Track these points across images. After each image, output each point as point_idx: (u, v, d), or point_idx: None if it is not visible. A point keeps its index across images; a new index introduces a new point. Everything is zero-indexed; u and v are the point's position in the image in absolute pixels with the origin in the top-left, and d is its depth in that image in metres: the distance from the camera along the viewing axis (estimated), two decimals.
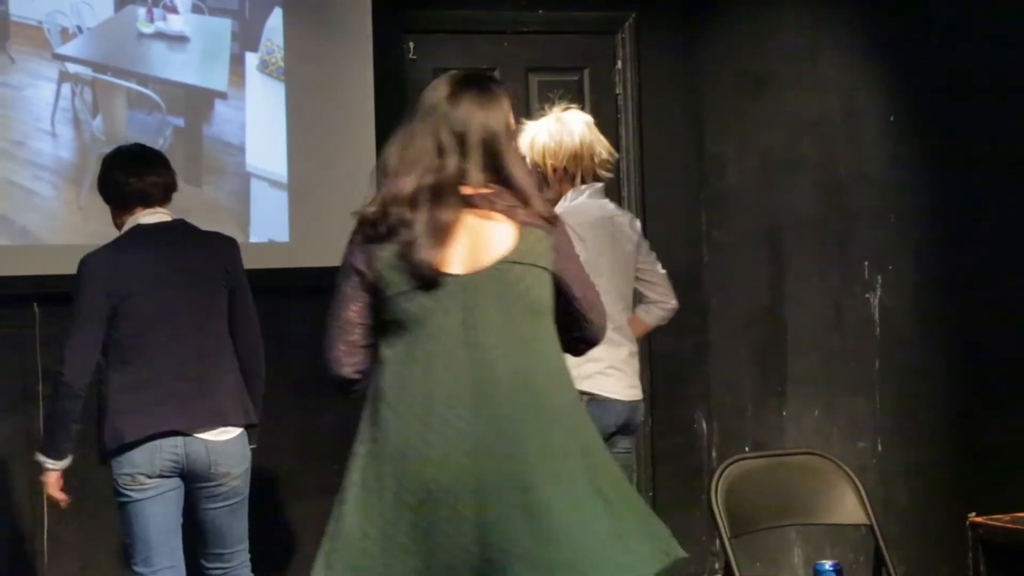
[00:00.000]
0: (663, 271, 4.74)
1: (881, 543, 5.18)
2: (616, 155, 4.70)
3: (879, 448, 5.40)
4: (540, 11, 6.19)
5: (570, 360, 4.57)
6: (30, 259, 5.31)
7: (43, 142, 5.39)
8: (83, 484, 4.67)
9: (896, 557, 5.23)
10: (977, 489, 4.80)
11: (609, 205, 4.63)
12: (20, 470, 5.35)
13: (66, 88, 5.43)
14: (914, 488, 5.27)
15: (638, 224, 4.73)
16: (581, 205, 4.54)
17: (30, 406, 5.33)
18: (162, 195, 4.32)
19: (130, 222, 4.29)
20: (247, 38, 5.64)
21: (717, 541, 5.07)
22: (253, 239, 5.53)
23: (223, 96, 5.60)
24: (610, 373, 4.56)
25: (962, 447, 5.00)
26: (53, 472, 4.25)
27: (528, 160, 4.53)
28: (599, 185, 4.60)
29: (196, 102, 5.59)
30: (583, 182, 4.56)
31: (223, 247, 4.38)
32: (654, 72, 6.22)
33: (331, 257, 5.58)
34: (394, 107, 5.87)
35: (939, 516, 5.05)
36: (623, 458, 4.70)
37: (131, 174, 4.28)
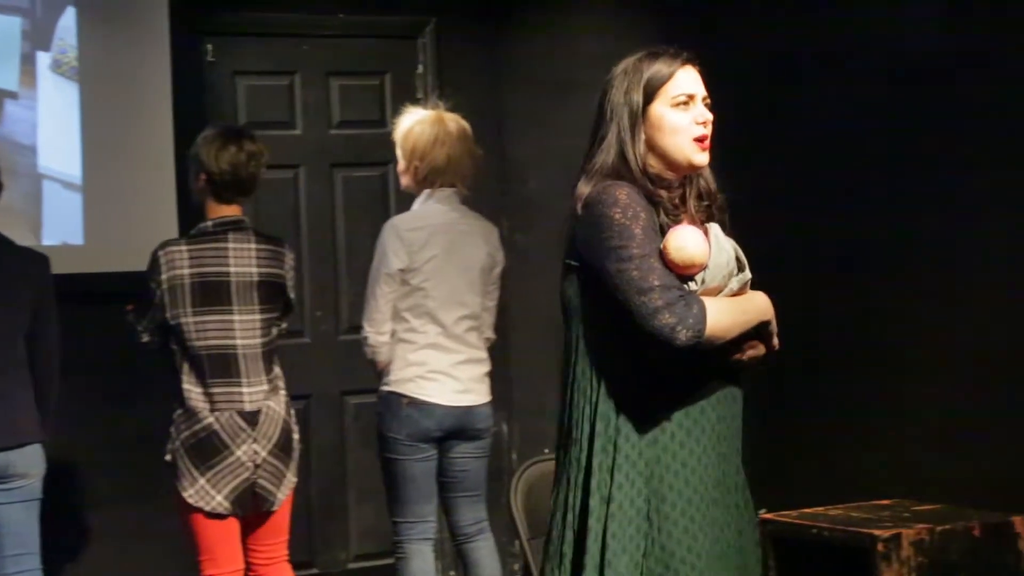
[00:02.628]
0: (493, 303, 4.86)
1: None
2: (479, 167, 4.85)
3: None
4: (340, 15, 6.17)
5: (394, 363, 4.66)
6: None
7: None
8: None
9: None
10: (766, 486, 4.93)
11: (455, 213, 4.72)
12: None
13: None
14: None
15: (496, 239, 4.85)
16: (426, 208, 4.65)
17: None
18: None
19: None
20: (39, 37, 5.53)
21: (516, 542, 5.13)
22: (46, 242, 5.43)
23: (13, 96, 5.49)
24: (432, 377, 4.63)
25: (752, 446, 5.13)
26: None
27: (399, 149, 4.67)
28: (451, 191, 4.69)
29: None
30: (440, 187, 4.66)
31: (33, 265, 4.35)
32: (455, 77, 6.24)
33: (127, 261, 5.55)
34: (192, 109, 5.81)
35: None
36: (462, 463, 4.75)
37: None
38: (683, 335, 2.91)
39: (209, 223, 4.43)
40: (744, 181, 5.11)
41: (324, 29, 6.18)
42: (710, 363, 3.02)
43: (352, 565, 6.14)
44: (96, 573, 5.67)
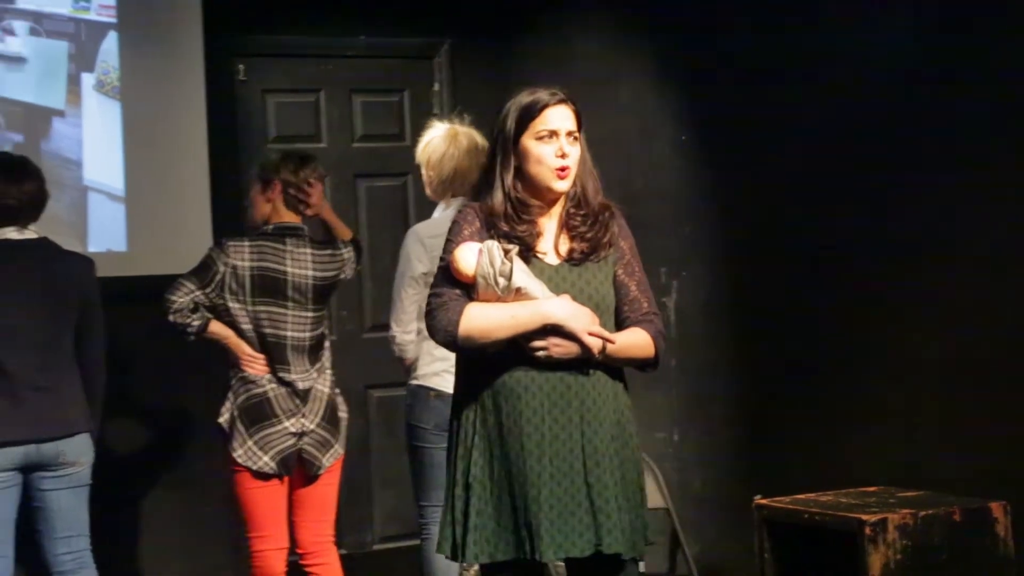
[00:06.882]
0: None
1: (677, 525, 5.27)
2: None
3: (675, 438, 5.48)
4: (362, 37, 6.17)
5: (421, 359, 4.64)
6: None
7: None
8: None
9: (691, 537, 5.33)
10: (761, 474, 4.91)
11: None
12: None
13: None
14: (707, 474, 5.37)
15: None
16: (442, 216, 4.65)
17: None
18: (32, 211, 4.26)
19: None
20: (83, 59, 5.54)
21: None
22: (92, 248, 5.44)
23: (61, 114, 5.49)
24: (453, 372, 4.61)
25: (748, 436, 5.11)
26: None
27: (422, 161, 4.68)
28: (461, 200, 4.69)
29: (34, 119, 5.46)
30: (453, 196, 4.64)
31: (80, 267, 4.36)
32: (468, 93, 6.23)
33: (166, 265, 5.53)
34: (225, 125, 5.81)
35: (729, 499, 5.16)
36: None
37: (7, 184, 4.21)
38: (438, 335, 3.20)
39: (269, 227, 4.51)
40: (730, 186, 5.12)
41: (347, 50, 6.18)
42: (521, 356, 3.18)
43: (377, 546, 6.14)
44: (142, 554, 5.68)
